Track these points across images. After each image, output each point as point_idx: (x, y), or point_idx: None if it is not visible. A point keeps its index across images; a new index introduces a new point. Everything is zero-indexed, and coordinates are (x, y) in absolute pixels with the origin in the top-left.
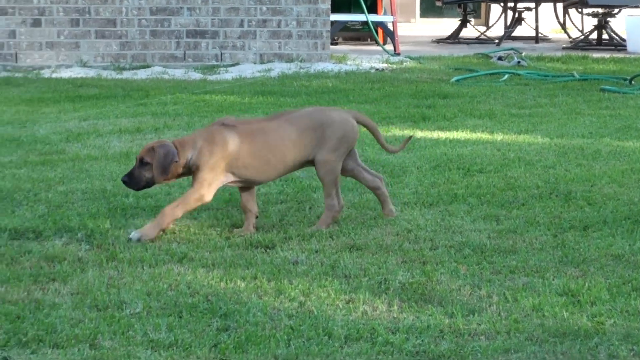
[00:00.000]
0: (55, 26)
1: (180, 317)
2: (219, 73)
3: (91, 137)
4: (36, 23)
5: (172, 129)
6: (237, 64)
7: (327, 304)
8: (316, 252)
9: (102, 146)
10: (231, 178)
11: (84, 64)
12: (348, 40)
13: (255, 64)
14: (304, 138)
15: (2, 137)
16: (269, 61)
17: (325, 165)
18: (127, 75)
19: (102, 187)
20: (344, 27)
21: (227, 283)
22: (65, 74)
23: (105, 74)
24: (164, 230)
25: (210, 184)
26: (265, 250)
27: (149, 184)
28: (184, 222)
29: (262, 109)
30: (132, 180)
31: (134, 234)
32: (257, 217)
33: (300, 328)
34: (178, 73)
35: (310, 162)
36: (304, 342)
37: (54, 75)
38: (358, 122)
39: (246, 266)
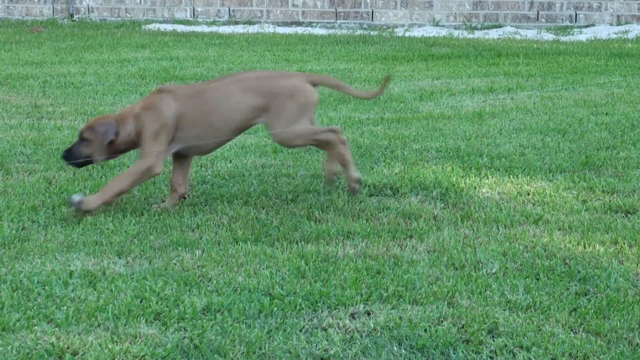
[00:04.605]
0: None
1: (538, 279)
2: (572, 34)
3: (444, 96)
4: None
5: (525, 89)
6: (592, 25)
7: None
8: None
9: (454, 105)
10: (177, 146)
11: (436, 23)
12: None
13: (611, 25)
14: (247, 99)
15: None
16: (626, 22)
17: (284, 137)
18: (478, 34)
19: (456, 146)
20: None
21: (585, 247)
22: (418, 32)
23: (456, 33)
24: (109, 204)
25: (157, 154)
26: (626, 215)
27: (90, 160)
28: (539, 184)
29: (618, 71)
30: (71, 156)
31: (75, 197)
32: (184, 198)
33: None
34: (530, 34)
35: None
36: None
37: (407, 34)
38: (316, 85)
39: (605, 230)
